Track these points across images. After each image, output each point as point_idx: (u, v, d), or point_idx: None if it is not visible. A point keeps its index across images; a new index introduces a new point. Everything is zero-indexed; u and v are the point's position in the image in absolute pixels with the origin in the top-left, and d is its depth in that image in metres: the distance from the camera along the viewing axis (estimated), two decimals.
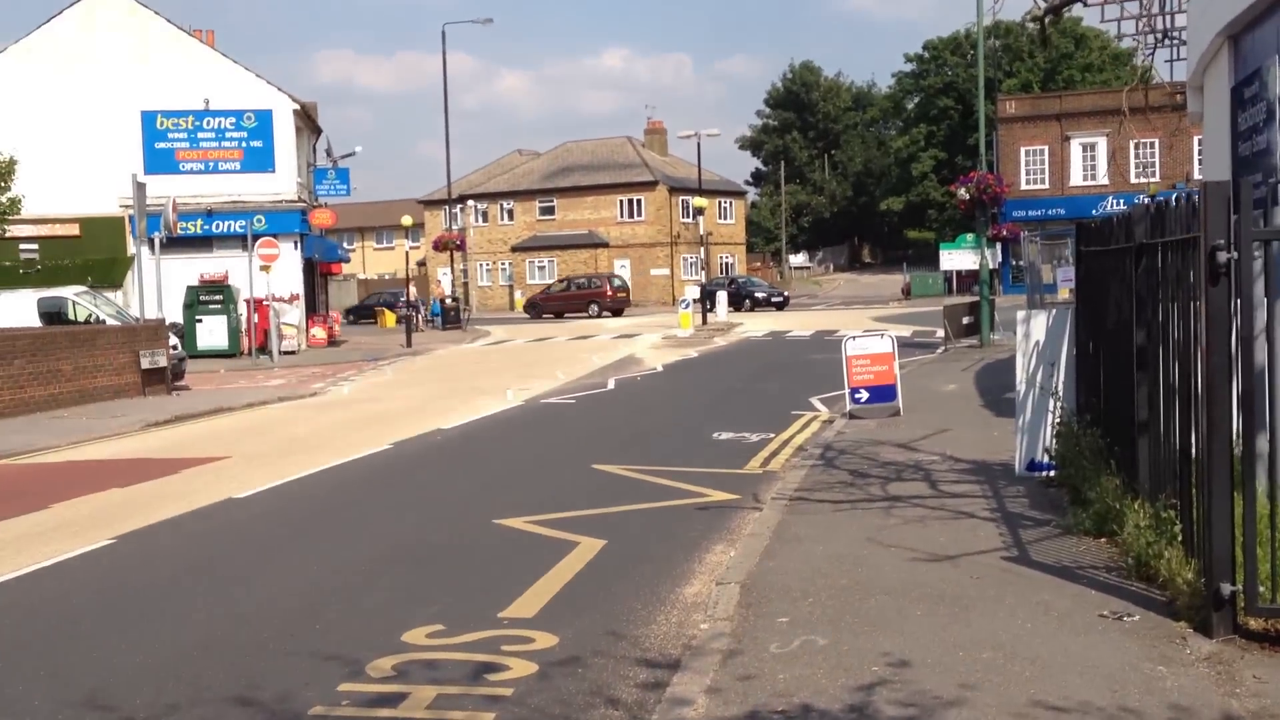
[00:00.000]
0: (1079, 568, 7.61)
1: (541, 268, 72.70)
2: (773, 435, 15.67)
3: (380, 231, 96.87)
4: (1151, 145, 60.50)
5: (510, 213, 74.19)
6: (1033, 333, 10.70)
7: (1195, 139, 60.15)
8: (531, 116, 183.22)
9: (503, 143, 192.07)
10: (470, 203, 73.22)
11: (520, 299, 70.90)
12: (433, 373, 28.13)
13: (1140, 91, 20.22)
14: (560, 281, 56.00)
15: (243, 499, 11.88)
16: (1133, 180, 60.42)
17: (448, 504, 11.48)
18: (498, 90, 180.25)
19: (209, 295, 34.98)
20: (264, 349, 33.62)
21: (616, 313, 54.95)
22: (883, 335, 17.08)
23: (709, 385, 22.86)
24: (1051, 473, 10.58)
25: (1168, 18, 19.87)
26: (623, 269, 71.17)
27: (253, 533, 10.44)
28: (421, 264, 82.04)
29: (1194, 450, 6.65)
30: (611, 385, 23.21)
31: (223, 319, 34.81)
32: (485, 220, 74.84)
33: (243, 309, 34.56)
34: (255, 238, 32.81)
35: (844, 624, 6.76)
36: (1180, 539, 6.88)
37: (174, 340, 26.45)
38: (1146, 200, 10.59)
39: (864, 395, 16.68)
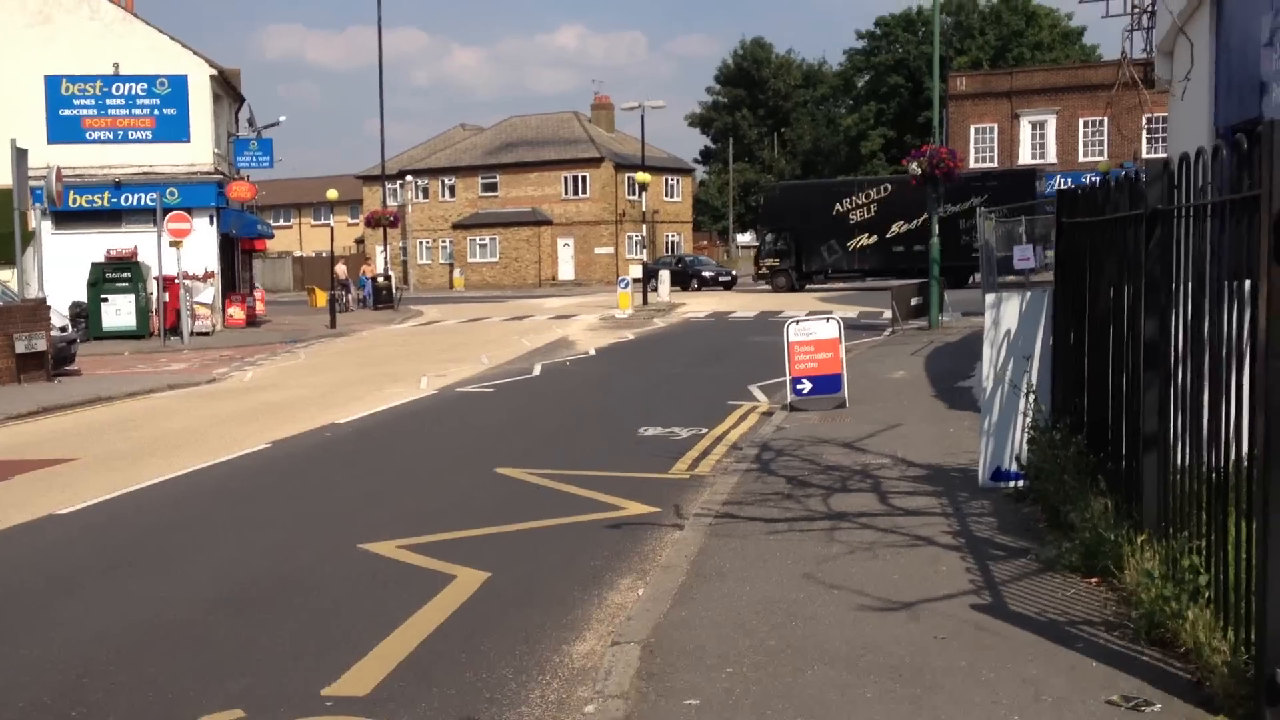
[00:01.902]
0: (1071, 624, 5.96)
1: (483, 245, 70.55)
2: (705, 430, 14.00)
3: (318, 208, 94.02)
4: (1100, 123, 59.52)
5: (452, 189, 71.87)
6: (1003, 319, 9.06)
7: (1144, 117, 59.30)
8: (484, 94, 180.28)
9: (454, 121, 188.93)
10: (409, 178, 70.99)
11: (460, 278, 68.93)
12: (349, 356, 26.19)
13: (1125, 66, 18.75)
14: None
15: (66, 515, 9.97)
16: (1081, 159, 59.45)
17: (310, 522, 9.68)
18: (450, 67, 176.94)
19: (116, 273, 32.65)
20: (175, 330, 31.47)
21: None
22: (828, 319, 15.44)
23: (642, 371, 21.16)
24: (1021, 483, 8.98)
25: None
26: (566, 247, 69.29)
27: (57, 562, 8.57)
28: (360, 241, 79.71)
29: (1234, 479, 5.03)
30: (537, 371, 21.43)
31: (130, 298, 32.52)
32: (426, 196, 72.52)
33: (153, 287, 32.30)
34: (166, 211, 30.63)
35: (772, 711, 5.08)
36: (1209, 596, 5.26)
37: (63, 321, 24.35)
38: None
39: (806, 386, 15.05)
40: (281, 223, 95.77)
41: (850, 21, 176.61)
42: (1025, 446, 8.77)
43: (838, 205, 46.86)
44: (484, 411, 16.45)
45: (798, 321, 15.39)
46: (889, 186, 47.11)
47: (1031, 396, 8.58)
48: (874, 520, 8.50)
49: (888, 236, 46.42)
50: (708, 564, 7.59)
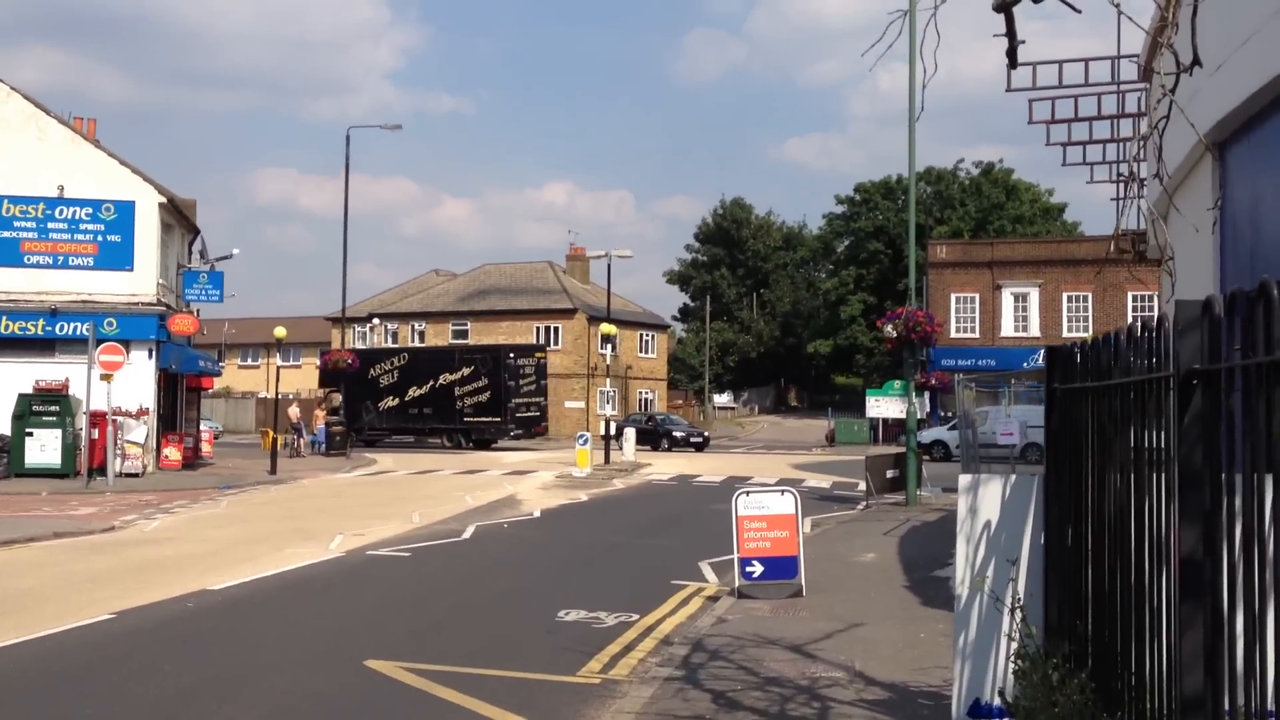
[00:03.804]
0: None
1: None
2: (635, 618, 11.98)
3: (287, 348, 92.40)
4: (1084, 298, 58.87)
5: (422, 334, 70.40)
6: (981, 508, 7.17)
7: (1129, 294, 58.60)
8: (472, 245, 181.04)
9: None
10: (376, 321, 69.54)
11: None
12: (272, 507, 24.04)
13: (1125, 238, 17.47)
14: None
15: None
16: (1065, 334, 58.51)
17: None
18: (438, 218, 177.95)
19: (43, 405, 30.68)
20: (103, 469, 29.34)
21: None
22: (783, 492, 13.53)
23: (584, 539, 19.11)
24: None
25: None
26: None
27: None
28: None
29: None
30: (468, 534, 19.35)
31: (57, 433, 30.47)
32: (395, 340, 70.92)
33: (82, 423, 30.27)
34: (100, 342, 28.81)
35: None
36: None
37: None
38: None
39: (757, 569, 13.08)
40: (250, 362, 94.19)
41: (830, 186, 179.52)
42: (1011, 675, 6.80)
43: (372, 370, 51.53)
44: (387, 581, 14.35)
45: (748, 493, 13.47)
46: (406, 356, 53.37)
47: (1018, 613, 6.65)
48: None
49: (406, 400, 51.13)
50: None
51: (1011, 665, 6.71)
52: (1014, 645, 6.74)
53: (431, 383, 48.38)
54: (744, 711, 7.89)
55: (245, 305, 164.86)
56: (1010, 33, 5.35)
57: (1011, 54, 5.64)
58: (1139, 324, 5.25)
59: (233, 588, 13.33)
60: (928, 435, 47.19)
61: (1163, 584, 4.86)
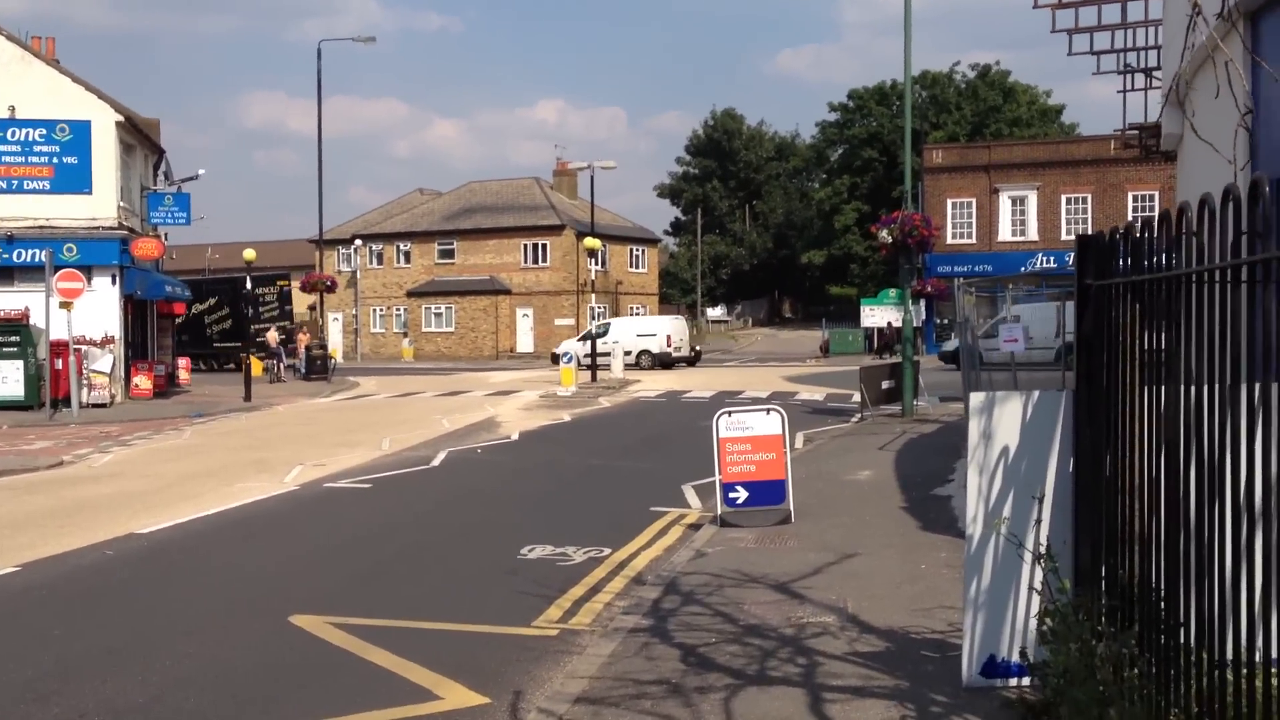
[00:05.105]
0: None
1: (438, 314, 67.33)
2: (607, 552, 10.84)
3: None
4: (1083, 200, 57.32)
5: (407, 255, 68.80)
6: (997, 432, 5.91)
7: (1129, 194, 57.05)
8: (463, 165, 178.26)
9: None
10: (358, 242, 67.92)
11: (409, 348, 65.63)
12: (236, 437, 22.81)
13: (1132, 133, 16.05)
14: None
15: None
16: (1063, 237, 57.08)
17: None
18: (430, 138, 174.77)
19: (3, 336, 29.34)
20: (68, 400, 28.10)
21: None
22: (769, 411, 12.27)
23: (561, 463, 17.93)
24: (1026, 681, 5.85)
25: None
26: (525, 318, 66.22)
27: None
28: (313, 308, 76.43)
29: None
30: (438, 461, 18.16)
31: (18, 364, 29.15)
32: (380, 262, 69.41)
33: (45, 353, 28.98)
34: (57, 269, 27.41)
35: None
36: None
37: None
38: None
39: (741, 494, 11.90)
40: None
41: (824, 98, 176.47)
42: (1037, 632, 5.61)
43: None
44: (338, 517, 13.16)
45: (730, 413, 12.22)
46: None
47: (1045, 562, 5.41)
48: None
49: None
50: None
51: (1036, 623, 5.50)
52: (1037, 597, 5.54)
53: (186, 312, 49.38)
54: (716, 673, 6.71)
55: (233, 230, 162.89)
56: None
57: None
58: (1218, 195, 3.94)
59: (163, 530, 12.12)
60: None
61: (1212, 518, 3.62)
